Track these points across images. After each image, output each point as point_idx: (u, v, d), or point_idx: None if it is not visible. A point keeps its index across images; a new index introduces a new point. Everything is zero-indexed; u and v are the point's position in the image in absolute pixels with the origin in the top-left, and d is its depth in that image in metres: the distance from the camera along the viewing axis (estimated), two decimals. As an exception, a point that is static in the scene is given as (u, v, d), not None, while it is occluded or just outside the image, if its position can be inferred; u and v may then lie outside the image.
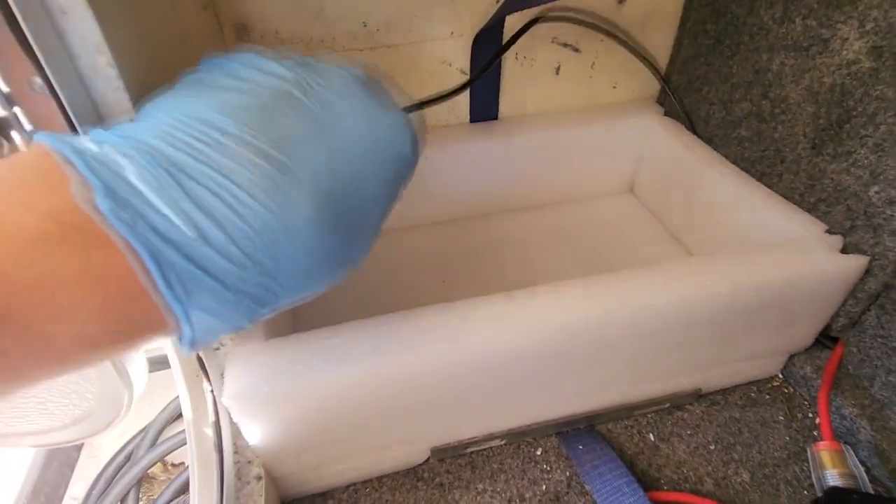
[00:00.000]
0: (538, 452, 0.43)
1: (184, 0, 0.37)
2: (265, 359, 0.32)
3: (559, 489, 0.40)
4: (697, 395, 0.46)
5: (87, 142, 0.18)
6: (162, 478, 0.78)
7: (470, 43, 0.53)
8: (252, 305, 0.20)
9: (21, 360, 0.16)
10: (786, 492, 0.40)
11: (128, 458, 0.71)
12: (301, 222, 0.19)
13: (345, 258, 0.24)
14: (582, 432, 0.44)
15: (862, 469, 0.38)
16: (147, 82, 0.25)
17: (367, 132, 0.23)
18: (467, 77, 0.56)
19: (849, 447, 0.40)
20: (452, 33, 0.52)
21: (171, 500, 0.65)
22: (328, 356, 0.32)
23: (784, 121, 0.45)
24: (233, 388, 0.30)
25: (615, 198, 0.67)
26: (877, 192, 0.38)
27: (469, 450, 0.43)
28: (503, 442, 0.43)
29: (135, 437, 0.71)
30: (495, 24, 0.51)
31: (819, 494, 0.38)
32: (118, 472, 0.68)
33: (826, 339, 0.46)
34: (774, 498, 0.39)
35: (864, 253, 0.40)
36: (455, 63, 0.54)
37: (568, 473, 0.41)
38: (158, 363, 0.44)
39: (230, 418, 0.33)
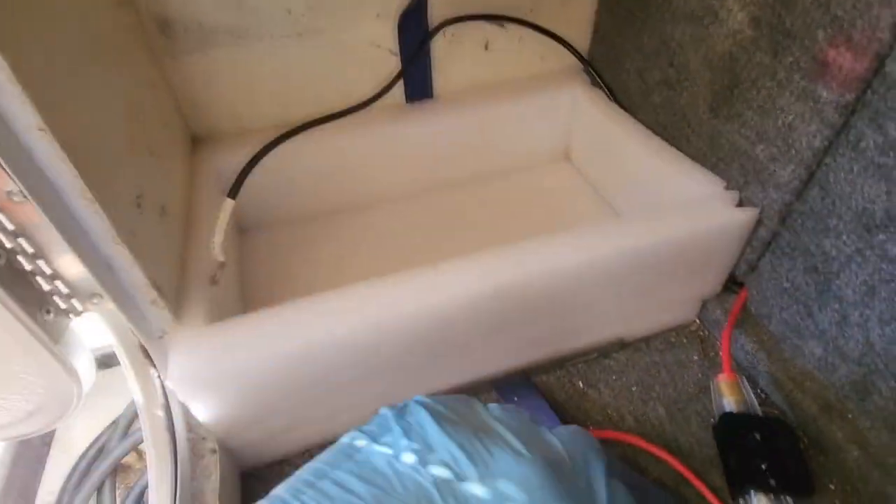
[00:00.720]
0: (479, 407, 0.47)
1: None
2: (205, 343, 0.34)
3: (498, 437, 0.45)
4: (622, 345, 0.51)
5: None
6: (137, 466, 0.80)
7: (396, 23, 0.54)
8: None
9: None
10: (695, 421, 0.45)
11: (100, 450, 0.73)
12: None
13: None
14: (518, 385, 0.48)
15: (753, 396, 0.43)
16: (54, 89, 0.26)
17: None
18: (397, 57, 0.57)
19: (744, 378, 0.45)
20: (378, 15, 0.53)
21: (147, 485, 0.67)
22: (264, 335, 0.34)
23: (687, 87, 0.49)
24: (176, 372, 0.33)
25: (552, 166, 0.70)
26: (762, 150, 0.43)
27: (415, 410, 0.46)
28: (446, 400, 0.47)
29: (106, 429, 0.72)
30: (419, 3, 0.52)
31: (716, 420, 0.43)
32: (92, 464, 0.69)
33: (733, 284, 0.51)
34: (686, 428, 0.45)
35: (755, 205, 0.44)
36: (384, 44, 0.56)
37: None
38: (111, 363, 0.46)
39: (178, 400, 0.36)
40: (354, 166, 0.60)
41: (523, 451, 0.25)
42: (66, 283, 0.30)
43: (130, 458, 0.81)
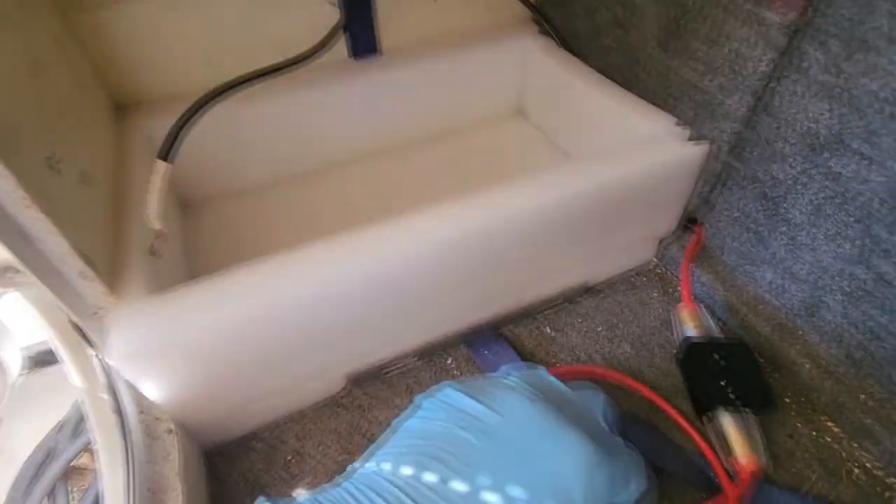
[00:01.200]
0: (449, 362, 0.46)
1: None
2: (146, 314, 0.31)
3: (471, 390, 0.44)
4: (586, 289, 0.51)
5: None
6: (92, 467, 0.75)
7: (333, -29, 0.51)
8: None
9: None
10: (659, 354, 0.46)
11: (48, 454, 0.68)
12: None
13: None
14: (488, 338, 0.47)
15: (713, 322, 0.45)
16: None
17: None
18: (338, 11, 0.53)
19: (703, 306, 0.46)
20: (312, -40, 0.50)
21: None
22: (210, 302, 0.32)
23: (636, 24, 0.48)
24: (117, 348, 0.30)
25: (506, 121, 0.69)
26: (711, 81, 0.43)
27: (385, 372, 0.45)
28: (416, 359, 0.46)
29: (52, 431, 0.67)
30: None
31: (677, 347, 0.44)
32: (40, 469, 0.65)
33: (689, 222, 0.52)
34: (650, 360, 0.46)
35: (706, 139, 0.45)
36: (322, -6, 0.52)
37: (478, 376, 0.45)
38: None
39: (123, 379, 0.33)
40: (300, 129, 0.57)
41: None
42: (-26, 256, 0.26)
43: (84, 460, 0.76)
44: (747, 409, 0.38)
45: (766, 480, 0.37)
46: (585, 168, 0.42)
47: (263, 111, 0.53)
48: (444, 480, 0.26)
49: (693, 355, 0.42)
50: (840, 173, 0.36)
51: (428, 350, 0.46)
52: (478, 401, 0.29)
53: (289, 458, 0.40)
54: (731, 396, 0.38)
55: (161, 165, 0.37)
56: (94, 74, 0.47)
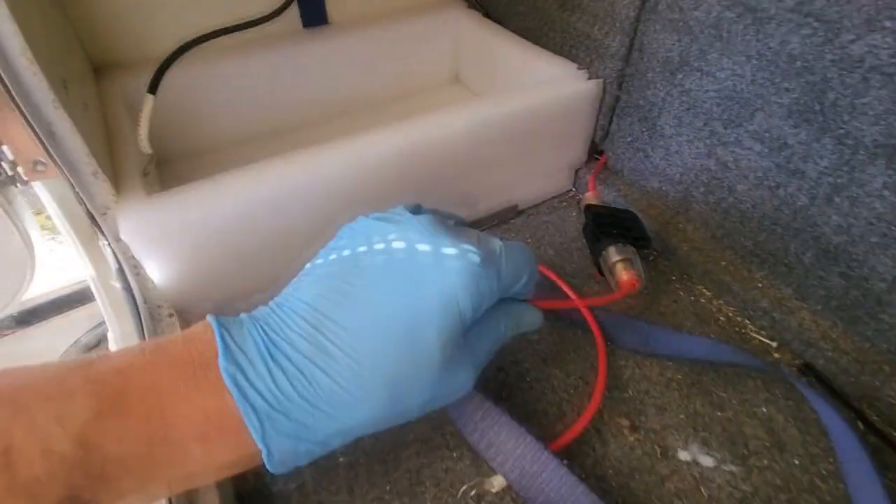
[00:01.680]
0: (405, 271, 0.55)
1: None
2: (153, 206, 0.38)
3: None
4: (517, 211, 0.62)
5: (237, 321, 0.27)
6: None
7: (284, -51, 0.59)
8: (318, 437, 0.26)
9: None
10: (576, 255, 0.57)
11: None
12: (346, 386, 0.25)
13: (396, 409, 0.27)
14: (436, 251, 0.56)
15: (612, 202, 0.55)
16: None
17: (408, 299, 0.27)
18: (290, -17, 0.62)
19: (601, 190, 0.57)
20: (266, -60, 0.58)
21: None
22: (204, 197, 0.39)
23: (540, -10, 0.59)
24: (128, 233, 0.37)
25: (445, 88, 0.79)
26: (598, 30, 0.54)
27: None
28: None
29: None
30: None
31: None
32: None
33: (596, 153, 0.63)
34: (570, 259, 0.56)
35: (598, 77, 0.56)
36: (276, -31, 0.60)
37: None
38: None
39: (133, 268, 0.39)
40: (259, 90, 0.64)
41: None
42: (12, 148, 0.33)
43: None
44: (630, 244, 0.48)
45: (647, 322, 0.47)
46: (502, 98, 0.52)
47: (225, 72, 0.61)
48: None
49: (592, 219, 0.51)
50: (689, 88, 0.48)
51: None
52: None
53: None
54: (618, 237, 0.48)
55: (150, 98, 0.44)
56: (75, 37, 0.53)
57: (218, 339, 0.25)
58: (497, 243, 0.31)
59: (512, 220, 0.61)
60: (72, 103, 0.37)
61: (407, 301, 0.27)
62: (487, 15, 0.70)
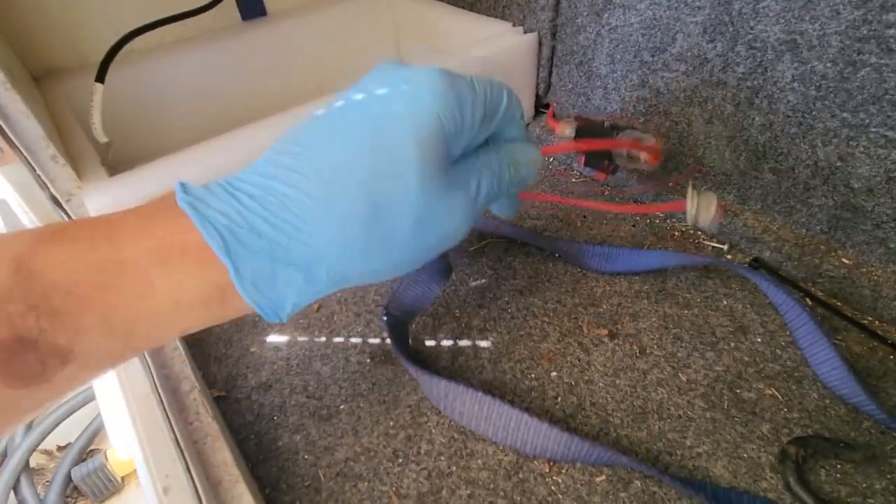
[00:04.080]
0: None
1: None
2: (121, 186, 0.38)
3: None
4: (476, 170, 0.64)
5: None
6: (51, 465, 0.75)
7: (214, -58, 0.60)
8: (296, 259, 0.23)
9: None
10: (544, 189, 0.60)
11: (4, 455, 0.68)
12: (317, 196, 0.23)
13: (382, 229, 0.24)
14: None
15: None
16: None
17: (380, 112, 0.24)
18: (223, -23, 0.62)
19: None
20: (193, -65, 0.59)
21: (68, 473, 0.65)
22: (166, 174, 0.40)
23: (467, -42, 0.63)
24: (97, 208, 0.37)
25: (390, 69, 0.81)
26: (526, -14, 0.58)
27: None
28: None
29: None
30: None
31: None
32: (-2, 466, 0.65)
33: (542, 108, 0.67)
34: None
35: (532, 31, 0.60)
36: (207, -36, 0.61)
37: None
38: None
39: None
40: (201, 89, 0.65)
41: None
42: (-36, 133, 0.33)
43: (41, 460, 0.77)
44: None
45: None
46: (445, 61, 0.55)
47: (167, 68, 0.61)
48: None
49: (585, 126, 0.53)
50: (616, 25, 0.52)
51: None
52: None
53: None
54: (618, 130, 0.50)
55: (99, 87, 0.44)
56: (8, 44, 0.52)
57: (177, 183, 0.23)
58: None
59: (473, 179, 0.64)
60: (20, 90, 0.37)
61: (376, 111, 0.24)
62: (422, -8, 0.73)
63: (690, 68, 0.48)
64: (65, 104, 0.52)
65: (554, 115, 0.65)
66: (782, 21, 0.40)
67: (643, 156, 0.48)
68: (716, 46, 0.45)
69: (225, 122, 0.68)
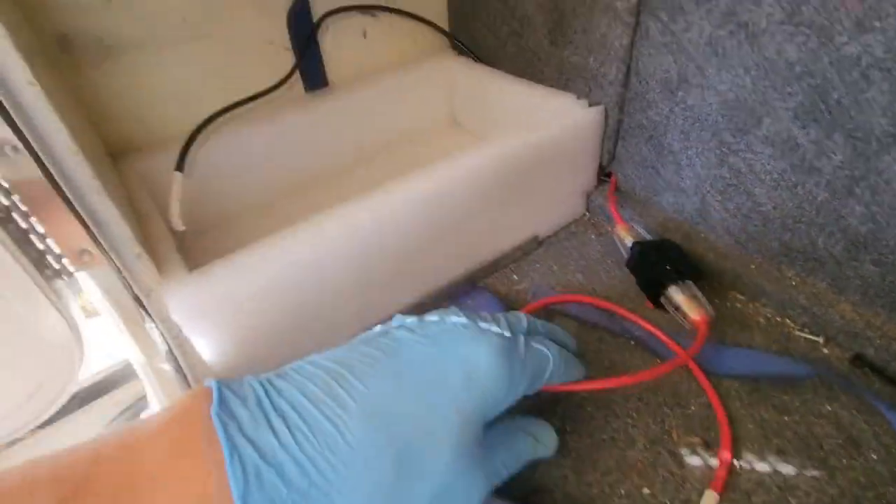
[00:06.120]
0: (439, 314, 0.55)
1: None
2: (199, 282, 0.38)
3: (462, 331, 0.53)
4: (538, 242, 0.62)
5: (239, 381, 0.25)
6: None
7: (285, 21, 0.62)
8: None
9: None
10: (604, 274, 0.57)
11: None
12: (354, 442, 0.23)
13: (400, 486, 0.24)
14: (468, 289, 0.57)
15: (645, 231, 0.56)
16: (30, 55, 0.30)
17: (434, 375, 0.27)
18: (290, 52, 0.64)
19: (633, 224, 0.58)
20: (267, 14, 0.60)
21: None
22: (252, 264, 0.39)
23: (530, 32, 0.63)
24: (177, 313, 0.36)
25: (444, 130, 0.81)
26: (593, 61, 0.57)
27: (387, 331, 0.53)
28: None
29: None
30: (302, 3, 0.61)
31: (626, 256, 0.55)
32: None
33: (605, 175, 0.65)
34: (598, 280, 0.57)
35: (599, 104, 0.58)
36: (277, 41, 0.63)
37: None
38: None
39: (181, 347, 0.39)
40: (268, 158, 0.66)
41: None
42: (59, 240, 0.33)
43: None
44: (687, 280, 0.49)
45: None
46: (515, 137, 0.54)
47: (238, 143, 0.62)
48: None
49: (638, 256, 0.52)
50: (692, 104, 0.50)
51: (422, 305, 0.54)
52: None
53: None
54: (674, 274, 0.48)
55: (178, 175, 0.44)
56: (91, 126, 0.54)
57: (215, 390, 0.23)
58: (521, 338, 0.32)
59: (535, 252, 0.62)
60: (107, 186, 0.38)
61: (429, 375, 0.26)
62: (478, 59, 0.73)
63: (778, 152, 0.45)
64: (139, 183, 0.53)
65: (617, 188, 0.63)
66: (890, 114, 0.37)
67: (692, 317, 0.46)
68: (809, 133, 0.43)
69: (289, 187, 0.69)
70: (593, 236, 0.64)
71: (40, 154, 0.30)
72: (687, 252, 0.52)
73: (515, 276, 0.59)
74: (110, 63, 0.53)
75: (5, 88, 0.27)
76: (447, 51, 0.77)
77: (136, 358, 0.38)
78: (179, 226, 0.43)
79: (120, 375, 0.68)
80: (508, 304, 0.55)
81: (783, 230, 0.48)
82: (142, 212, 0.46)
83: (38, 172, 0.30)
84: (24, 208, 0.31)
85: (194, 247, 0.60)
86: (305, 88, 0.68)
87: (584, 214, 0.67)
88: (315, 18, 0.63)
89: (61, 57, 0.50)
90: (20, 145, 0.29)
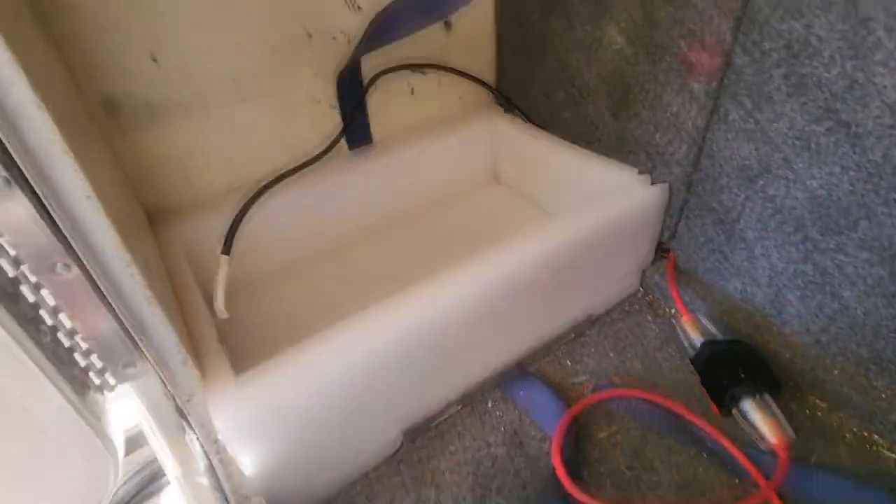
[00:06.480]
0: (489, 405, 0.51)
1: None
2: (243, 391, 0.34)
3: (515, 426, 0.49)
4: (592, 321, 0.58)
5: None
6: None
7: (334, 79, 0.59)
8: None
9: None
10: (665, 365, 0.53)
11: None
12: None
13: None
14: (517, 378, 0.52)
15: (712, 326, 0.52)
16: (85, 159, 0.28)
17: None
18: (337, 110, 0.62)
19: (699, 315, 0.54)
20: (316, 73, 0.58)
21: None
22: (291, 374, 0.36)
23: (590, 100, 0.60)
24: (222, 426, 0.33)
25: (486, 187, 0.78)
26: (660, 137, 0.54)
27: (434, 423, 0.49)
28: (459, 406, 0.50)
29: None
30: (353, 64, 0.58)
31: (692, 353, 0.51)
32: None
33: (662, 251, 0.61)
34: (659, 372, 0.52)
35: (665, 182, 0.55)
36: (324, 100, 0.60)
37: (517, 412, 0.50)
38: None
39: (220, 461, 0.35)
40: (309, 218, 0.63)
41: None
42: (102, 354, 0.29)
43: None
44: (764, 393, 0.44)
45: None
46: (578, 218, 0.50)
47: (279, 204, 0.59)
48: None
49: (707, 357, 0.48)
50: (774, 195, 0.47)
51: (469, 397, 0.50)
52: None
53: (362, 519, 0.42)
54: (749, 386, 0.44)
55: (224, 259, 0.41)
56: (131, 189, 0.51)
57: None
58: None
59: (587, 332, 0.58)
60: (154, 284, 0.35)
61: None
62: (528, 119, 0.70)
63: (876, 258, 0.41)
64: (179, 252, 0.50)
65: (676, 266, 0.60)
66: None
67: (771, 440, 0.42)
68: (918, 244, 0.39)
69: (329, 247, 0.66)
70: (650, 317, 0.59)
71: (91, 271, 0.27)
72: (763, 358, 0.48)
73: (568, 362, 0.55)
74: (156, 125, 0.50)
75: (64, 207, 0.25)
76: (493, 106, 0.75)
77: (171, 470, 0.34)
78: (224, 314, 0.40)
79: (132, 440, 0.64)
80: (563, 395, 0.51)
81: (875, 338, 0.44)
82: (183, 295, 0.43)
83: (87, 288, 0.27)
84: (69, 326, 0.27)
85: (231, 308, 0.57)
86: (349, 145, 0.65)
87: (639, 291, 0.63)
88: (365, 77, 0.61)
89: (106, 121, 0.48)
90: (72, 263, 0.25)
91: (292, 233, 0.62)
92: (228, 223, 0.51)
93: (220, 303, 0.40)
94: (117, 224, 0.28)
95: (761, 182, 0.47)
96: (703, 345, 0.49)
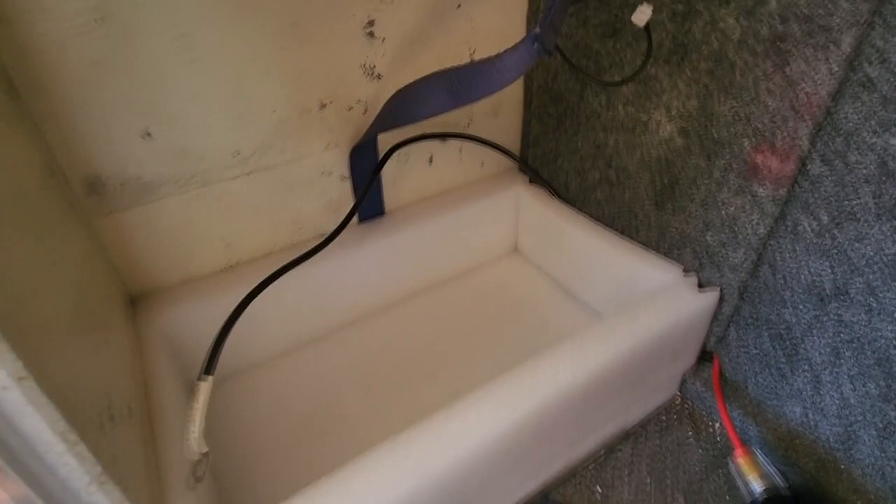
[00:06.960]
0: (507, 545, 0.43)
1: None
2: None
3: (536, 576, 0.41)
4: (625, 435, 0.51)
5: None
6: None
7: (347, 149, 0.54)
8: None
9: None
10: (712, 500, 0.46)
11: None
12: None
13: None
14: (540, 509, 0.45)
15: (772, 468, 0.45)
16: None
17: None
18: (348, 181, 0.56)
19: (756, 450, 0.47)
20: (328, 145, 0.53)
21: None
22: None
23: (629, 185, 0.54)
24: None
25: (503, 259, 0.72)
26: (711, 237, 0.48)
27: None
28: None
29: None
30: (369, 140, 0.53)
31: (747, 499, 0.44)
32: None
33: (705, 354, 0.54)
34: (708, 512, 0.45)
35: (714, 286, 0.49)
36: (335, 171, 0.55)
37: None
38: None
39: None
40: (313, 299, 0.57)
41: None
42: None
43: None
44: None
45: None
46: (622, 329, 0.44)
47: (277, 296, 0.53)
48: None
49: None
50: (852, 321, 0.40)
51: (484, 535, 0.42)
52: None
53: None
54: None
55: (205, 386, 0.35)
56: (109, 272, 0.45)
57: None
58: None
59: (620, 448, 0.51)
60: (117, 432, 0.28)
61: None
62: (556, 194, 0.65)
63: None
64: (158, 341, 0.44)
65: (722, 375, 0.53)
66: None
67: None
68: None
69: (332, 328, 0.59)
70: (690, 432, 0.52)
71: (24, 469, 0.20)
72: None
73: (599, 488, 0.47)
74: (146, 201, 0.45)
75: None
76: (518, 176, 0.69)
77: None
78: (202, 447, 0.33)
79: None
80: (593, 533, 0.44)
81: (976, 504, 0.37)
82: (155, 404, 0.37)
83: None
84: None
85: (217, 398, 0.50)
86: (360, 219, 0.60)
87: (677, 397, 0.56)
88: (382, 150, 0.56)
89: (86, 200, 0.42)
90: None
91: (293, 316, 0.56)
92: (218, 311, 0.45)
93: (195, 437, 0.33)
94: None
95: (835, 304, 0.41)
96: (765, 498, 0.42)
